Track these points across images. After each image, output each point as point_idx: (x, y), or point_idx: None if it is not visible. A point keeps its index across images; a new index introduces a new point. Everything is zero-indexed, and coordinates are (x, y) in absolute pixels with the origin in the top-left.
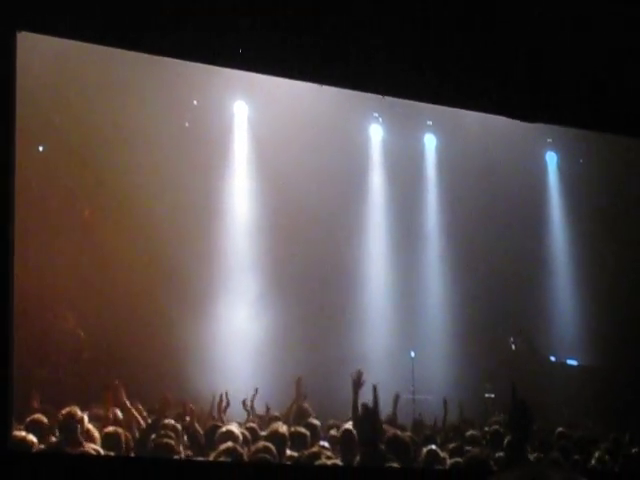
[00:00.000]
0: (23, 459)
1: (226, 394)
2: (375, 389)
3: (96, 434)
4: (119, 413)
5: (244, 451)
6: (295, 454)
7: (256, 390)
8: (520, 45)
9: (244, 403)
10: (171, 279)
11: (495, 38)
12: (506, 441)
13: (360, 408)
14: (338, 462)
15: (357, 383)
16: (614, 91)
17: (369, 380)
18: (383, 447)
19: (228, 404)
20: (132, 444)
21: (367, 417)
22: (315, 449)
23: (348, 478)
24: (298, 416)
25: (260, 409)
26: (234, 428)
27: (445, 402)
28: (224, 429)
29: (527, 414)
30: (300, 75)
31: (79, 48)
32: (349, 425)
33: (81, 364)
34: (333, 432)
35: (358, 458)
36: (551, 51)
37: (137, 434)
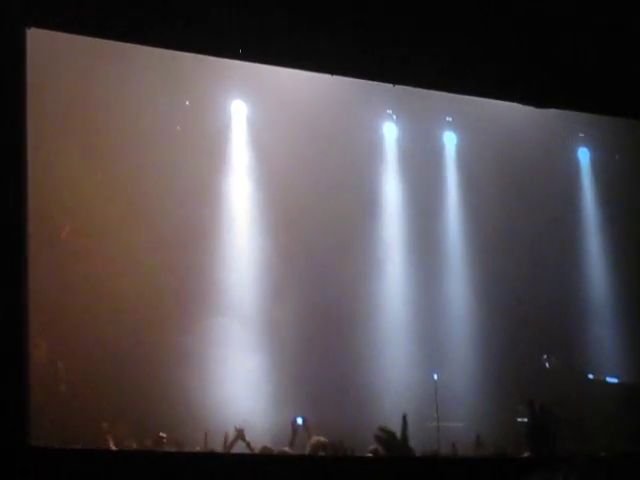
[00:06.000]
0: (44, 455)
1: (237, 429)
2: (405, 419)
3: None
4: None
5: None
6: None
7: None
8: (536, 30)
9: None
10: (160, 297)
11: (510, 23)
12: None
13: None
14: None
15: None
16: (633, 75)
17: (389, 406)
18: None
19: (236, 439)
20: None
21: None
22: None
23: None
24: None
25: (263, 442)
26: None
27: (478, 436)
28: None
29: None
30: (309, 65)
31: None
32: None
33: (58, 400)
34: None
35: None
36: (567, 35)
37: None
